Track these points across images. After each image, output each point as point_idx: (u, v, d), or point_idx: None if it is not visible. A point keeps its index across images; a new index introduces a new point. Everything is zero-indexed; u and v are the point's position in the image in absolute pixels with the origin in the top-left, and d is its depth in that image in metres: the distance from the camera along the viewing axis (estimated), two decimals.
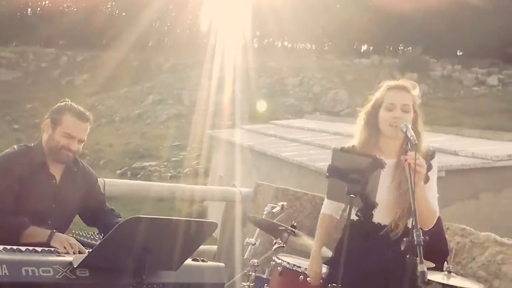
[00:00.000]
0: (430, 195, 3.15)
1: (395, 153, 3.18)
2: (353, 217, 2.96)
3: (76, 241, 3.09)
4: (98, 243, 3.33)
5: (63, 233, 3.43)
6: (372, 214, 3.08)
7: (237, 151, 16.24)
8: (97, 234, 3.58)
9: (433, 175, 3.23)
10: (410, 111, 3.16)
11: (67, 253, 2.94)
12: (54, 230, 3.16)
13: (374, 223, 3.13)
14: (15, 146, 3.48)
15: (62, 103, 3.51)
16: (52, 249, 2.95)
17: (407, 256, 2.70)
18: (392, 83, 3.27)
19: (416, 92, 3.26)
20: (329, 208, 3.42)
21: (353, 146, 3.23)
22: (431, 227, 3.16)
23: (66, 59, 52.44)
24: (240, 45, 40.96)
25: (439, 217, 4.28)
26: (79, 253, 2.97)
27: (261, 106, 33.29)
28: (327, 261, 3.58)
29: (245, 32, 43.55)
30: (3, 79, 48.38)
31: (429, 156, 3.23)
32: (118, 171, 29.19)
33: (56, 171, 3.46)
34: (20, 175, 3.30)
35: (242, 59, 38.91)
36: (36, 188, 3.34)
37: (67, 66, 51.26)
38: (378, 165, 2.83)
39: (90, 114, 3.54)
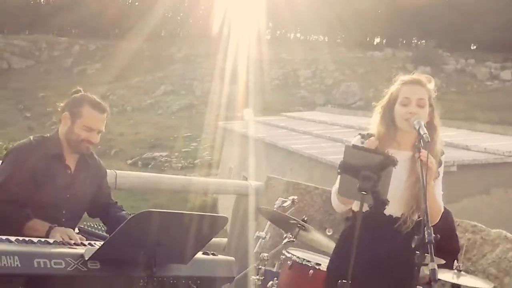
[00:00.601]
0: (437, 192, 3.16)
1: (411, 146, 3.17)
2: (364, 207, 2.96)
3: (74, 233, 3.11)
4: (107, 235, 3.37)
5: (76, 223, 3.47)
6: (384, 208, 3.08)
7: (249, 143, 16.25)
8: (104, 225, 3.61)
9: (441, 171, 3.23)
10: (426, 106, 3.15)
11: (72, 242, 2.95)
12: (54, 225, 3.18)
13: (385, 214, 3.13)
14: (31, 137, 3.49)
15: (78, 94, 3.51)
16: (64, 240, 2.96)
17: (417, 253, 2.70)
18: (406, 77, 3.26)
19: (431, 85, 3.24)
20: None
21: (371, 134, 3.21)
22: (436, 222, 3.15)
23: (78, 48, 52.63)
24: (252, 36, 40.87)
25: (450, 213, 4.31)
26: (80, 244, 2.98)
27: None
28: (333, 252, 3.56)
29: (258, 23, 43.44)
30: (16, 67, 48.66)
31: (441, 152, 3.24)
32: (129, 161, 29.33)
33: (71, 162, 3.48)
34: (36, 166, 3.32)
35: (255, 50, 38.86)
36: (51, 178, 3.36)
37: (80, 55, 51.45)
38: (390, 162, 2.81)
39: (106, 104, 3.56)
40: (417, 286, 3.46)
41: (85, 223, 3.59)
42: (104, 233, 3.51)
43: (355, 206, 3.10)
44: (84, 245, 2.96)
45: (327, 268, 3.45)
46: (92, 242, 3.07)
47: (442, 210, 3.20)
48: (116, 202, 3.77)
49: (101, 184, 3.69)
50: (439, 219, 3.17)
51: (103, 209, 3.67)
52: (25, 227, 3.16)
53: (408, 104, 3.12)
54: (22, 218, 3.19)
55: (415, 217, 3.14)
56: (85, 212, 3.62)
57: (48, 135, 3.52)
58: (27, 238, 2.74)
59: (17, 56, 50.06)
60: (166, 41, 53.16)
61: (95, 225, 3.56)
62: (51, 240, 2.83)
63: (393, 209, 3.10)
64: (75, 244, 2.94)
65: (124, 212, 3.66)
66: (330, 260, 3.43)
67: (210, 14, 50.56)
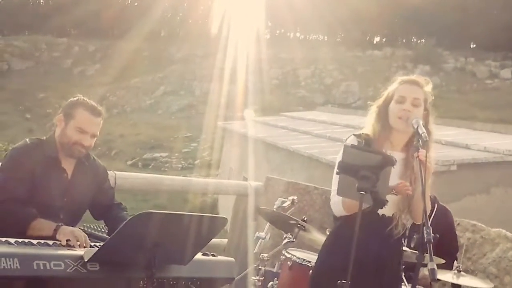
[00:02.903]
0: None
1: (403, 147, 3.17)
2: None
3: (82, 233, 3.08)
4: (107, 236, 3.36)
5: (74, 226, 3.45)
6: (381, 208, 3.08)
7: (248, 143, 16.24)
8: (105, 226, 3.60)
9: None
10: (421, 106, 3.13)
11: (72, 246, 2.94)
12: (61, 224, 3.15)
13: (378, 214, 3.13)
14: (27, 139, 3.47)
15: (75, 98, 3.50)
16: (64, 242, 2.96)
17: (417, 252, 2.70)
18: (405, 77, 3.25)
19: (428, 88, 3.23)
20: None
21: (366, 134, 3.21)
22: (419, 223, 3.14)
23: (78, 49, 52.64)
24: (252, 36, 40.86)
25: (449, 212, 4.31)
26: (85, 246, 2.97)
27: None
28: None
29: (257, 23, 43.43)
30: (16, 68, 48.67)
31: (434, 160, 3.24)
32: (129, 162, 29.35)
33: (68, 165, 3.46)
34: (32, 169, 3.30)
35: (254, 50, 38.84)
36: (48, 182, 3.34)
37: (79, 56, 51.47)
38: (389, 162, 2.81)
39: (102, 109, 3.54)
40: (417, 286, 3.47)
41: (84, 224, 3.59)
42: (104, 235, 3.50)
43: (340, 212, 3.12)
44: (86, 247, 2.96)
45: (314, 267, 3.41)
46: (92, 244, 3.07)
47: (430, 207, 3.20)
48: (120, 203, 3.76)
49: (102, 186, 3.66)
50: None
51: (105, 210, 3.65)
52: (30, 226, 3.15)
53: (403, 102, 3.11)
54: (27, 217, 3.17)
55: (407, 219, 3.14)
56: (86, 215, 3.61)
57: (45, 138, 3.50)
58: (26, 240, 2.73)
59: (17, 57, 50.07)
60: (166, 41, 53.16)
61: (95, 227, 3.55)
62: (50, 242, 2.83)
63: (385, 209, 3.10)
64: (79, 246, 2.94)
65: (125, 212, 3.65)
66: (318, 259, 3.36)
67: (209, 14, 50.56)
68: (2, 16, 56.09)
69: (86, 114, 3.42)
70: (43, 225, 3.15)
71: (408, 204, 3.10)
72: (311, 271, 3.93)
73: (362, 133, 3.20)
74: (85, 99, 3.50)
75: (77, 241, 2.99)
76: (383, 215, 3.13)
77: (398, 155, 3.09)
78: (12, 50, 50.51)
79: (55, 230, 3.10)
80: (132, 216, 2.62)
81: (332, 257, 3.19)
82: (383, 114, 3.19)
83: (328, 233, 4.33)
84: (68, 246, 2.90)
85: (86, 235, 3.09)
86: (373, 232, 3.10)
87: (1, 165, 3.37)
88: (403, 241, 3.27)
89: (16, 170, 3.27)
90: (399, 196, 3.10)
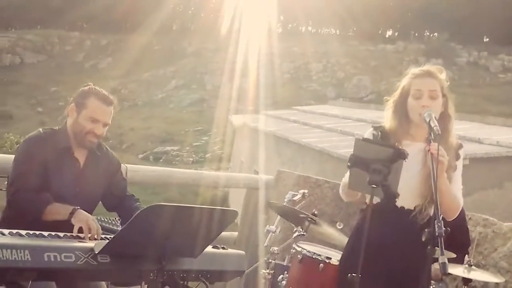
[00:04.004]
0: (455, 186, 3.12)
1: (425, 139, 3.15)
2: (375, 199, 2.94)
3: (96, 224, 3.09)
4: (118, 228, 3.37)
5: None
6: (395, 201, 3.07)
7: (260, 137, 16.24)
8: (118, 219, 3.61)
9: (460, 165, 3.20)
10: (438, 97, 3.12)
11: (82, 236, 2.95)
12: (77, 207, 3.17)
13: (397, 206, 3.11)
14: (41, 129, 3.48)
15: (86, 87, 3.51)
16: (75, 234, 2.97)
17: (428, 247, 2.68)
18: (417, 70, 3.23)
19: (443, 76, 3.21)
20: None
21: (384, 127, 3.20)
22: (454, 218, 3.12)
23: (90, 43, 52.82)
24: (264, 30, 40.80)
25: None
26: (95, 238, 2.98)
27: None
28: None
29: (269, 17, 43.35)
30: (28, 62, 48.90)
31: (458, 145, 3.21)
32: (141, 155, 29.42)
33: (80, 155, 3.48)
34: (45, 158, 3.31)
35: (266, 44, 38.80)
36: (60, 172, 3.36)
37: (91, 49, 51.65)
38: (401, 155, 2.79)
39: (114, 98, 3.55)
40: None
41: (94, 216, 3.60)
42: (115, 227, 3.51)
43: (369, 198, 3.08)
44: (97, 238, 2.97)
45: (339, 263, 3.44)
46: (103, 236, 3.07)
47: (461, 206, 3.15)
48: (133, 195, 3.76)
49: (114, 176, 3.67)
50: (457, 214, 3.13)
51: (118, 201, 3.66)
52: (46, 211, 3.16)
53: (420, 96, 3.11)
54: (42, 202, 3.19)
55: (431, 209, 3.11)
56: (99, 206, 3.62)
57: (57, 128, 3.52)
58: (37, 232, 2.74)
59: (29, 51, 50.31)
60: (177, 35, 53.21)
61: (105, 219, 3.56)
62: (61, 234, 2.84)
63: (405, 201, 3.08)
64: (90, 237, 2.95)
65: (138, 203, 3.66)
66: (342, 255, 3.41)
67: (221, 8, 50.53)
68: (15, 10, 56.33)
69: (98, 103, 3.43)
70: (59, 209, 3.17)
71: (431, 194, 3.06)
72: (321, 264, 3.95)
73: (381, 126, 3.21)
74: (96, 88, 3.50)
75: (89, 231, 3.01)
76: (402, 207, 3.11)
77: (420, 146, 3.11)
78: (24, 44, 50.76)
79: (71, 214, 3.12)
80: (142, 209, 2.62)
81: (352, 252, 3.19)
82: (400, 109, 3.19)
83: (338, 227, 4.35)
84: (78, 237, 2.91)
85: (99, 226, 3.11)
86: (393, 225, 3.09)
87: (15, 156, 3.39)
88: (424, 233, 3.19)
89: (29, 161, 3.29)
90: (422, 187, 3.08)
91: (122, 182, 3.76)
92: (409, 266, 3.12)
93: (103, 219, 3.50)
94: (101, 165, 3.56)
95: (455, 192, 3.11)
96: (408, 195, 3.04)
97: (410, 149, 2.90)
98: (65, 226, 3.03)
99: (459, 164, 3.20)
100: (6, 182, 3.48)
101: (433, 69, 3.22)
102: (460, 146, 3.23)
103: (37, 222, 3.02)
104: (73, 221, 3.07)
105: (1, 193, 3.53)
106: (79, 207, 3.18)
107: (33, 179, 3.26)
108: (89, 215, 3.17)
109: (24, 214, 3.16)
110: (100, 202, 3.66)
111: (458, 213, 3.14)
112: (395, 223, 3.11)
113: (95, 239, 2.95)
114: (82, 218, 3.09)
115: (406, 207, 3.12)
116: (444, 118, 3.11)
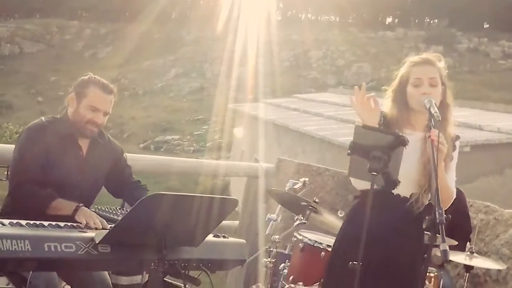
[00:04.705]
0: (450, 176, 3.12)
1: (425, 127, 3.13)
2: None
3: (100, 219, 3.10)
4: (118, 218, 3.37)
5: (89, 205, 3.46)
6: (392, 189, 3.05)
7: (259, 125, 16.21)
8: (119, 209, 3.60)
9: (455, 156, 3.19)
10: (438, 85, 3.11)
11: (89, 227, 2.95)
12: (81, 204, 3.18)
13: (393, 194, 3.09)
14: (43, 118, 3.49)
15: (86, 77, 3.50)
16: (75, 224, 2.97)
17: (429, 234, 2.67)
18: (416, 58, 3.22)
19: (441, 64, 3.20)
20: None
21: (386, 115, 3.18)
22: (447, 207, 3.11)
23: (89, 32, 52.62)
24: (263, 18, 40.63)
25: (462, 193, 4.27)
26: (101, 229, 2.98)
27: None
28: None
29: (268, 4, 43.15)
30: (27, 52, 48.73)
31: (455, 136, 3.21)
32: (141, 145, 29.39)
33: (83, 143, 3.48)
34: (48, 146, 3.31)
35: (265, 32, 38.64)
36: (63, 159, 3.36)
37: (91, 38, 51.45)
38: (401, 142, 2.77)
39: (114, 87, 3.54)
40: (429, 268, 3.45)
41: (97, 206, 3.60)
42: (115, 216, 3.51)
43: (363, 185, 3.06)
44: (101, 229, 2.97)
45: (332, 249, 3.41)
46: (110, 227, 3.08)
47: (454, 196, 3.13)
48: (139, 180, 3.77)
49: (118, 162, 3.68)
50: (450, 204, 3.12)
51: (123, 187, 3.68)
52: (50, 206, 3.17)
53: (420, 84, 3.10)
54: (46, 198, 3.20)
55: (427, 198, 3.10)
56: (104, 193, 3.63)
57: (59, 116, 3.52)
58: (37, 222, 2.73)
59: (28, 40, 50.11)
60: (177, 23, 52.97)
61: (106, 208, 3.56)
62: (62, 224, 2.83)
63: (402, 189, 3.07)
64: (96, 228, 2.94)
65: (142, 190, 3.69)
66: (336, 240, 3.37)
67: None
68: None
69: (98, 92, 3.43)
70: (63, 205, 3.18)
71: (428, 183, 3.05)
72: (322, 252, 3.94)
73: (382, 111, 3.19)
74: (96, 77, 3.50)
75: (94, 225, 3.01)
76: (398, 195, 3.10)
77: (419, 135, 3.10)
78: (23, 33, 50.56)
79: (75, 210, 3.13)
80: (142, 198, 2.62)
81: (347, 239, 3.18)
82: (399, 98, 3.17)
83: (339, 215, 4.34)
84: (79, 227, 2.90)
85: (104, 221, 3.11)
86: (388, 212, 3.08)
87: (17, 145, 3.38)
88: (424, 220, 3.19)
89: (31, 150, 3.29)
90: (420, 175, 3.07)
91: (127, 169, 3.77)
92: (404, 253, 3.11)
93: (103, 209, 3.50)
94: (103, 153, 3.57)
95: (450, 181, 3.11)
96: (405, 183, 3.02)
97: (410, 138, 2.88)
98: (67, 220, 3.03)
99: (455, 155, 3.19)
100: (6, 172, 3.48)
101: (432, 57, 3.20)
102: (457, 138, 3.23)
103: (38, 214, 3.01)
104: (77, 218, 3.07)
105: (0, 183, 3.53)
106: (82, 204, 3.18)
107: (35, 170, 3.26)
108: (93, 212, 3.18)
109: (26, 208, 3.16)
110: (100, 190, 3.66)
111: (449, 204, 3.11)
112: (390, 210, 3.09)
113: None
114: (87, 213, 3.11)
115: (402, 195, 3.11)
116: (442, 107, 3.10)
